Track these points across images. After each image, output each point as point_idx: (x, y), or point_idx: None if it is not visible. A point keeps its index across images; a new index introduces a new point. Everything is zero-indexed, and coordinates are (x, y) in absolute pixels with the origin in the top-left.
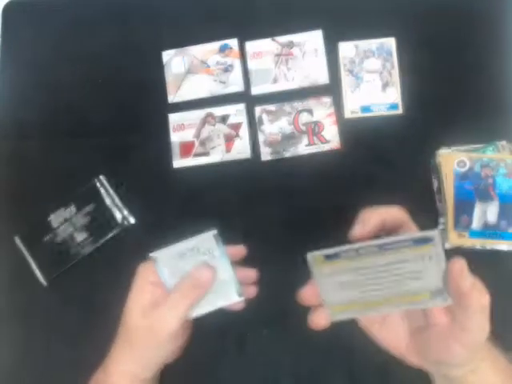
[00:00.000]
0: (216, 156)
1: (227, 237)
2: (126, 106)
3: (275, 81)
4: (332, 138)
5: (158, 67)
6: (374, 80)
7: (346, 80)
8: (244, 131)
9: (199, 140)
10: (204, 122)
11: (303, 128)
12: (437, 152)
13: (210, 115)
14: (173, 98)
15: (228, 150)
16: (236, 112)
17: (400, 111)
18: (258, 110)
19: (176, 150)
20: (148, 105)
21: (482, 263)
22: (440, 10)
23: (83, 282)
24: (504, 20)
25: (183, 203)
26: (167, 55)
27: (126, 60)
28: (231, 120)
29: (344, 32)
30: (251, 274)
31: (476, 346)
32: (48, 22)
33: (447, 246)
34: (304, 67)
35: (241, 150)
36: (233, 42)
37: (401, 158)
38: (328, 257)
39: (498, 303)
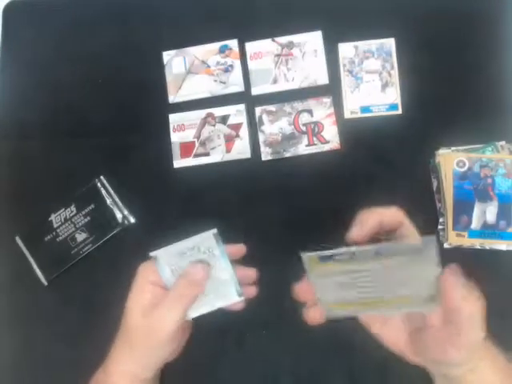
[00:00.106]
0: (216, 156)
1: (227, 236)
2: (126, 105)
3: (275, 81)
4: (332, 139)
5: (158, 67)
6: (373, 80)
7: (345, 80)
8: (244, 131)
9: (199, 140)
10: (204, 122)
11: (303, 128)
12: (436, 152)
13: (210, 115)
14: (173, 98)
15: (228, 150)
16: (236, 112)
17: (399, 111)
18: (258, 110)
19: (176, 150)
20: (148, 105)
21: (481, 263)
22: (439, 11)
23: (83, 282)
24: (503, 21)
25: (183, 203)
26: (168, 55)
27: (126, 60)
28: (231, 120)
29: (344, 32)
30: (251, 273)
31: (472, 348)
32: (48, 22)
33: (446, 245)
34: (304, 68)
35: (241, 150)
36: (233, 43)
37: (400, 158)
38: (322, 258)
39: (496, 303)
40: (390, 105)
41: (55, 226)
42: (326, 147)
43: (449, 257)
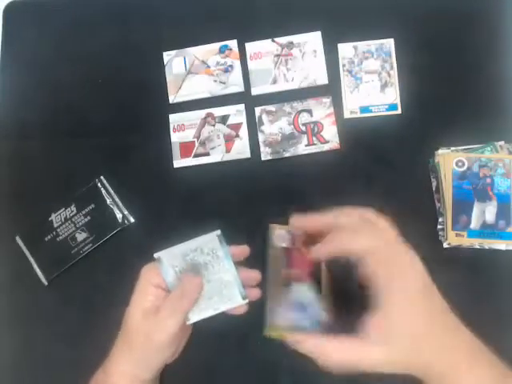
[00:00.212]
0: (216, 156)
1: (227, 236)
2: (126, 106)
3: (275, 81)
4: (331, 138)
5: (159, 67)
6: (372, 81)
7: (345, 80)
8: (244, 131)
9: (199, 140)
10: (204, 122)
11: (303, 128)
12: (435, 152)
13: (210, 115)
14: (173, 98)
15: (228, 150)
16: (236, 112)
17: (399, 111)
18: (257, 110)
19: (176, 150)
20: (148, 105)
21: (481, 263)
22: (439, 11)
23: (83, 282)
24: (502, 21)
25: (183, 203)
26: (168, 55)
27: (126, 60)
28: (231, 120)
29: (343, 33)
30: (254, 275)
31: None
32: (49, 23)
33: (446, 245)
34: (303, 68)
35: (241, 150)
36: (232, 43)
37: (400, 157)
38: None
39: (495, 302)
40: (389, 105)
41: (55, 225)
42: (326, 147)
43: (448, 257)
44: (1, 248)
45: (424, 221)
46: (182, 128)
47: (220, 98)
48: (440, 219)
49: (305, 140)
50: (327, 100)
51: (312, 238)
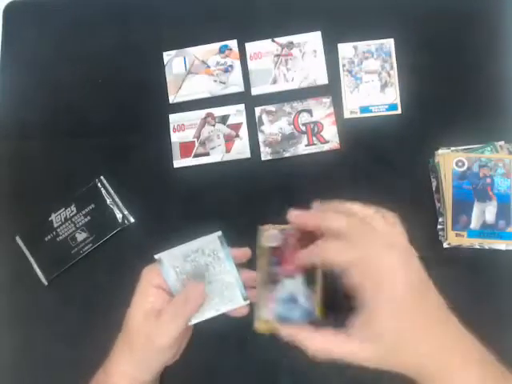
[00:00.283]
0: (216, 156)
1: (227, 236)
2: (126, 106)
3: (275, 81)
4: (331, 138)
5: (159, 67)
6: (372, 81)
7: (345, 80)
8: (244, 131)
9: (199, 140)
10: (204, 122)
11: (303, 128)
12: (435, 152)
13: (210, 115)
14: (173, 98)
15: (228, 150)
16: (236, 112)
17: (399, 111)
18: (257, 110)
19: (176, 150)
20: (148, 105)
21: (481, 263)
22: (439, 11)
23: (83, 282)
24: (502, 21)
25: (183, 203)
26: (168, 55)
27: (126, 60)
28: (231, 120)
29: (343, 33)
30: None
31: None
32: (49, 23)
33: (446, 245)
34: (303, 68)
35: (241, 150)
36: (232, 43)
37: (400, 157)
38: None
39: (495, 302)
40: (389, 105)
41: (55, 225)
42: (326, 147)
43: (448, 257)
44: (1, 248)
45: (424, 221)
46: (182, 128)
47: (220, 98)
48: (440, 219)
49: (305, 140)
50: (327, 100)
51: (308, 234)
